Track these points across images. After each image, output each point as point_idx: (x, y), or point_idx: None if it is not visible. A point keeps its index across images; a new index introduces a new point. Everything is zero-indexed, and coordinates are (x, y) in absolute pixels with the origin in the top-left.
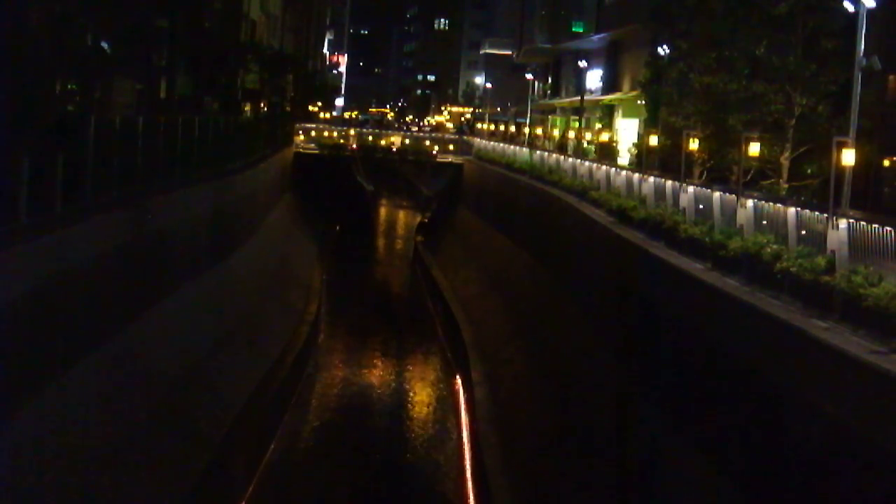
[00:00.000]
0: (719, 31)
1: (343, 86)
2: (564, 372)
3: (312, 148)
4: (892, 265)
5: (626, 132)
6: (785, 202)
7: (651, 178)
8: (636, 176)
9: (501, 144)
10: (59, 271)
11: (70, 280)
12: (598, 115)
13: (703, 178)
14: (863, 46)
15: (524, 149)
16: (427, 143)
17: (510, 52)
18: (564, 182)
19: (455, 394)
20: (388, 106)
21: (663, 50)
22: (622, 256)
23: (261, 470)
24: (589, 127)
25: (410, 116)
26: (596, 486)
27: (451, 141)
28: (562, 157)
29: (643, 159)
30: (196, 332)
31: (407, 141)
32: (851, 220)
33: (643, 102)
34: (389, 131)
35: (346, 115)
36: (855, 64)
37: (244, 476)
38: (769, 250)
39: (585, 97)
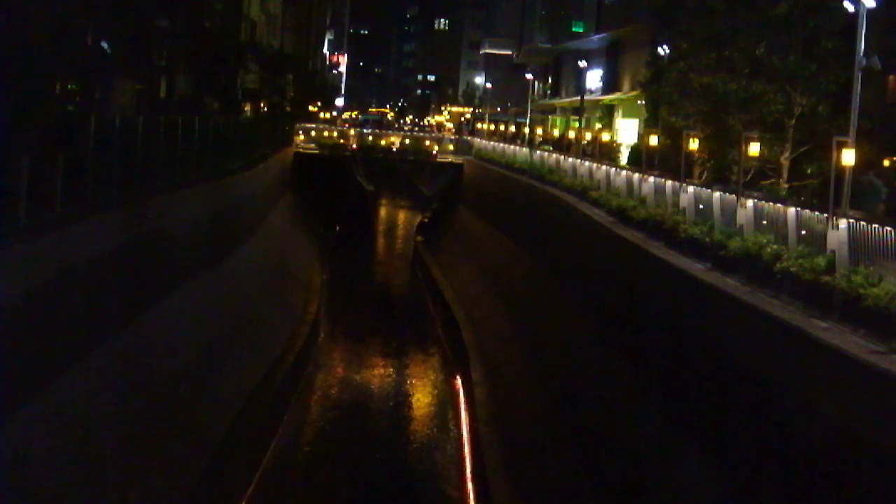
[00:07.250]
0: (719, 31)
1: (343, 86)
2: (564, 371)
3: (312, 148)
4: (892, 265)
5: (626, 132)
6: (785, 202)
7: (651, 178)
8: (636, 176)
9: (501, 144)
10: (58, 271)
11: (70, 280)
12: (598, 115)
13: (703, 178)
14: (863, 46)
15: (524, 148)
16: (427, 143)
17: (510, 52)
18: (564, 182)
19: (455, 393)
20: (388, 106)
21: (663, 50)
22: (622, 256)
23: (261, 470)
24: (589, 127)
25: (410, 116)
26: (596, 486)
27: (451, 141)
28: (562, 156)
29: (643, 157)
30: (196, 332)
31: (407, 141)
32: (851, 220)
33: (643, 102)
34: (389, 131)
35: (346, 114)
36: (855, 64)
37: (244, 476)
38: (769, 250)
39: (585, 97)
